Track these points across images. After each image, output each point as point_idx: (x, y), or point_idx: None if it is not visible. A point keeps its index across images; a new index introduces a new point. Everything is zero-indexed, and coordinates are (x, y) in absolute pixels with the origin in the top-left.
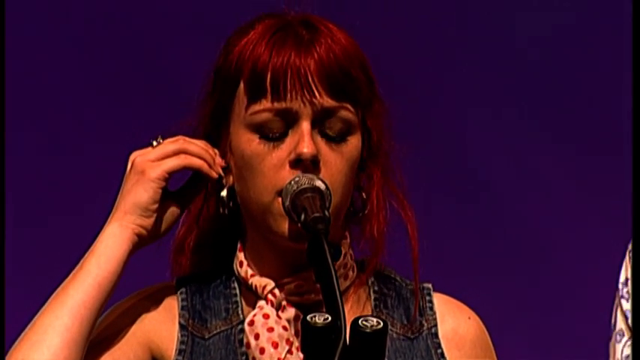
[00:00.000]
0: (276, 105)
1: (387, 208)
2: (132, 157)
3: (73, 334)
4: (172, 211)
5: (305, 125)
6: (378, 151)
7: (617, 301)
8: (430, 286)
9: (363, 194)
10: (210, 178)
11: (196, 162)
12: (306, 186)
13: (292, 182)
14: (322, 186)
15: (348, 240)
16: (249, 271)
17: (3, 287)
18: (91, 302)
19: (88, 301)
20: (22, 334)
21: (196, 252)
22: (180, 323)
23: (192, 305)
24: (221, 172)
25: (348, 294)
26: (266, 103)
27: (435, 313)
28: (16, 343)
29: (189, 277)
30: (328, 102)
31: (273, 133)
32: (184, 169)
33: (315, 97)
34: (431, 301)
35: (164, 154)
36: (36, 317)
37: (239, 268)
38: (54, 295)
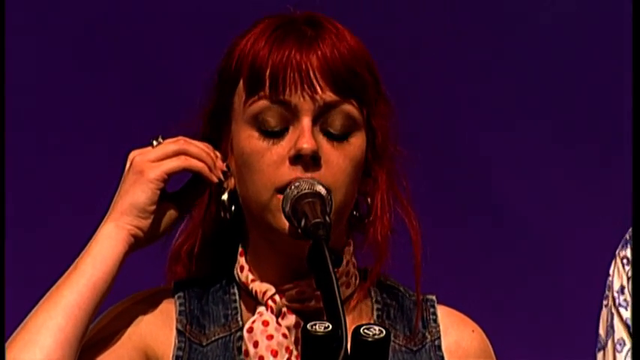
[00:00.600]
0: (274, 98)
1: (392, 212)
2: (131, 156)
3: (66, 334)
4: (170, 213)
5: (305, 121)
6: (384, 153)
7: (609, 310)
8: (434, 297)
9: (368, 199)
10: (209, 181)
11: (197, 164)
12: (306, 191)
13: (293, 187)
14: (323, 191)
15: (351, 248)
16: (250, 276)
17: (3, 287)
18: (85, 303)
19: (82, 302)
20: (15, 333)
21: (197, 258)
22: (177, 329)
23: (191, 310)
24: (221, 175)
25: (349, 303)
26: (264, 95)
27: (438, 326)
28: (8, 342)
29: (187, 281)
30: (330, 97)
31: (271, 126)
32: (184, 171)
33: (317, 92)
34: (434, 313)
35: (164, 155)
36: (28, 317)
37: (239, 273)
38: (47, 294)
